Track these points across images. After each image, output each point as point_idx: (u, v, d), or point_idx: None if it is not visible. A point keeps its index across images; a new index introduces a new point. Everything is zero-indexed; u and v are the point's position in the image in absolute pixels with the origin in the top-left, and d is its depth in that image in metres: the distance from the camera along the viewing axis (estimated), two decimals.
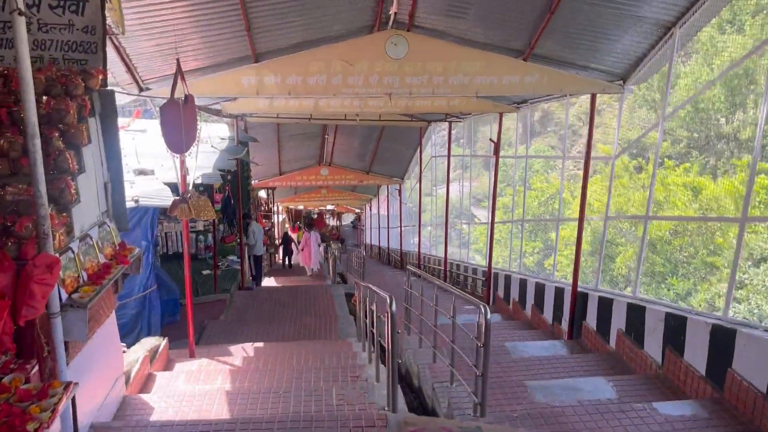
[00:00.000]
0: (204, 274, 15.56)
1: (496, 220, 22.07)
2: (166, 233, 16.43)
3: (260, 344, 9.47)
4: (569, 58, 8.07)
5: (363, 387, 6.40)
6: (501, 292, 12.56)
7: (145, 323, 9.17)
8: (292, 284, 18.75)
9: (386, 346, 5.73)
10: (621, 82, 8.12)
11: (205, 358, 8.21)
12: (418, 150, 19.14)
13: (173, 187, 9.68)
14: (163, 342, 8.00)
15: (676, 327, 6.53)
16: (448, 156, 15.89)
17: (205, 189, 14.80)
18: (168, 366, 7.95)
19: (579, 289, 8.74)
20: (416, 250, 22.34)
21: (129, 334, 8.99)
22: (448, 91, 7.90)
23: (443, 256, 16.80)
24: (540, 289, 10.31)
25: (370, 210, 33.00)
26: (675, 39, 6.99)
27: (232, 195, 16.07)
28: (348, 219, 38.17)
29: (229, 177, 15.81)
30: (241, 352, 8.99)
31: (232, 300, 14.29)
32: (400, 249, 24.16)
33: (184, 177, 7.83)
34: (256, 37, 7.47)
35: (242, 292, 15.31)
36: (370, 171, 23.18)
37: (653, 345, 6.90)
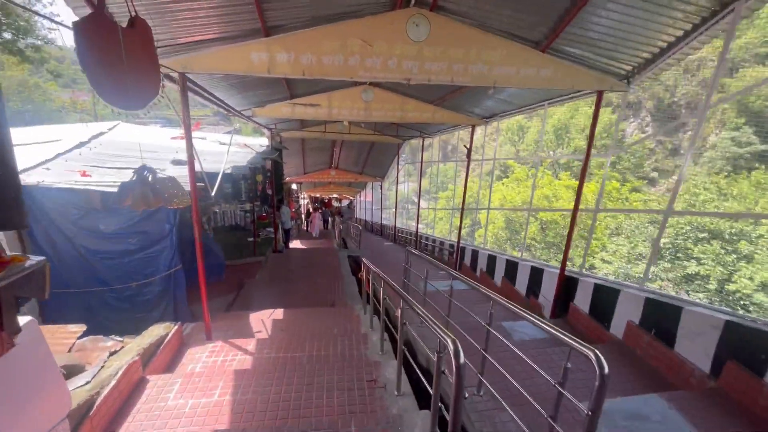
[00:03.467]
0: (248, 240, 11.65)
1: (439, 207, 18.69)
2: (223, 211, 12.30)
3: (279, 314, 5.75)
4: (581, 54, 4.34)
5: (389, 420, 2.74)
6: (467, 261, 8.87)
7: (170, 299, 5.29)
8: (310, 246, 14.87)
9: (450, 416, 2.08)
10: (626, 81, 4.46)
11: (220, 341, 4.44)
12: (396, 159, 15.32)
13: (212, 176, 5.82)
14: (173, 329, 4.18)
15: (744, 339, 3.00)
16: (421, 162, 12.10)
17: (246, 177, 10.94)
18: (177, 355, 4.14)
19: (567, 273, 5.16)
20: (383, 222, 19.79)
21: (154, 310, 5.16)
22: (467, 79, 4.10)
23: (415, 230, 13.11)
24: (512, 265, 6.70)
25: (360, 198, 29.34)
26: (737, 13, 3.36)
27: (272, 186, 12.08)
28: (345, 203, 34.46)
29: (268, 174, 12.08)
30: (260, 325, 5.25)
31: (267, 261, 10.45)
32: (380, 222, 20.34)
33: (192, 166, 3.92)
34: (266, 5, 3.53)
35: (275, 255, 11.45)
36: (363, 172, 19.24)
37: (699, 352, 3.37)
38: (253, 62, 3.75)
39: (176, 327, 4.23)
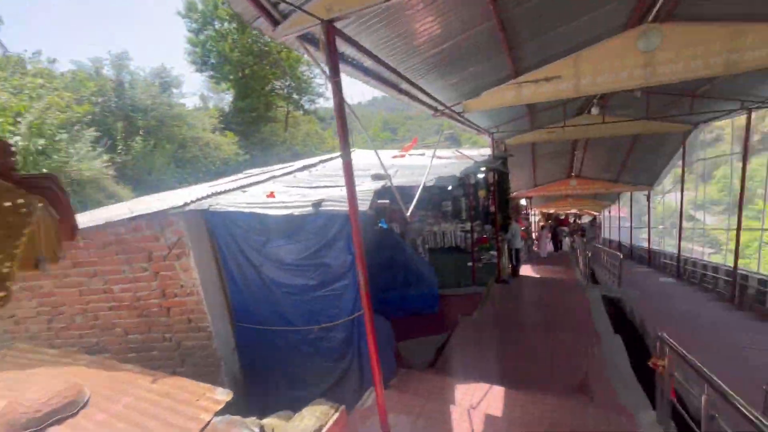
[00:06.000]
0: (467, 266, 9.87)
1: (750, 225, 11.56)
2: (443, 231, 11.03)
3: (498, 397, 3.60)
4: None
5: None
6: None
7: (355, 351, 4.06)
8: (545, 275, 11.77)
9: None
10: None
11: None
12: (682, 154, 10.21)
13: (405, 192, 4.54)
14: (332, 418, 2.76)
15: None
16: (745, 149, 7.09)
17: (467, 194, 9.41)
18: None
19: None
20: (653, 247, 13.97)
21: (340, 360, 4.06)
22: None
23: (732, 267, 7.89)
24: None
25: (607, 213, 22.92)
26: None
27: (494, 203, 10.03)
28: (584, 219, 27.82)
29: (491, 189, 10.11)
30: (464, 419, 3.26)
31: (488, 294, 8.41)
32: (648, 247, 14.38)
33: (349, 168, 2.44)
34: None
35: (498, 285, 9.24)
36: (618, 180, 14.35)
37: None
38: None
39: (336, 415, 2.80)
